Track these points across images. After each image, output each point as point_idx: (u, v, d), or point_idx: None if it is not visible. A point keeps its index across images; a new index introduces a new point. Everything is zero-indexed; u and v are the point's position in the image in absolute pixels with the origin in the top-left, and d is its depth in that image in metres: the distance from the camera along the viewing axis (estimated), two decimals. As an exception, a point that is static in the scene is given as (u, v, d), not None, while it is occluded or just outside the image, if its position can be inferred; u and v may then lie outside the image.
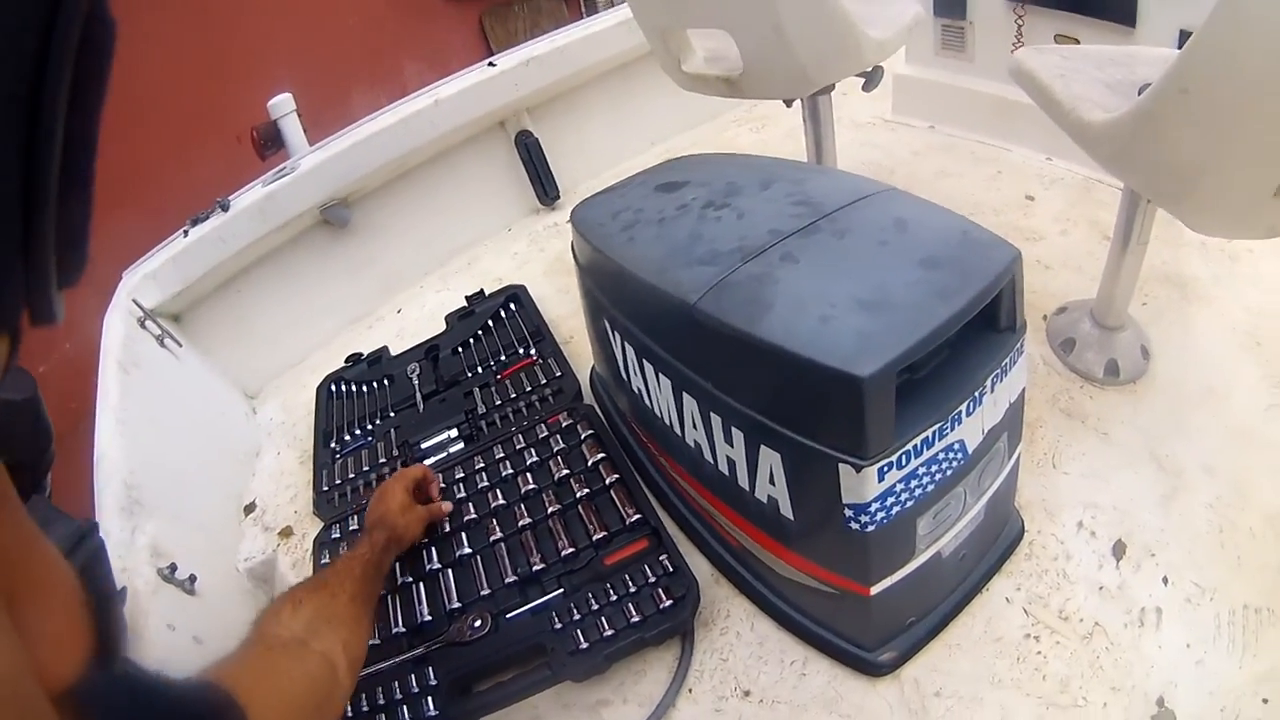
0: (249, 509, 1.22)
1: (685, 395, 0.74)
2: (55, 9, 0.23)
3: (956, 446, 0.66)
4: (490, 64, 1.66)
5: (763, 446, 0.66)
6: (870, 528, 0.63)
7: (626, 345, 0.83)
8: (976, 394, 0.66)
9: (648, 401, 0.84)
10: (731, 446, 0.70)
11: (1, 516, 0.29)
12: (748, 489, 0.71)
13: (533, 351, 1.25)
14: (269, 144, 1.69)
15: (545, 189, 1.72)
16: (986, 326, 0.68)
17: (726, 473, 0.73)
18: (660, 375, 0.77)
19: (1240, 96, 0.67)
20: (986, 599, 0.81)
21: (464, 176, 1.70)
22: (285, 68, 2.83)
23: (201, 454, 1.25)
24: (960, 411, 0.65)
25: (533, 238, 1.70)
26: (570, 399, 1.13)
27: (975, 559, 0.80)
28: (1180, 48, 0.91)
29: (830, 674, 0.78)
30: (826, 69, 1.06)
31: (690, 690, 0.79)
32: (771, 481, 0.67)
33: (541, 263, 1.58)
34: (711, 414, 0.70)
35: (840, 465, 0.60)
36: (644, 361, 0.80)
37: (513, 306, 1.39)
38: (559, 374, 1.18)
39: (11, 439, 0.62)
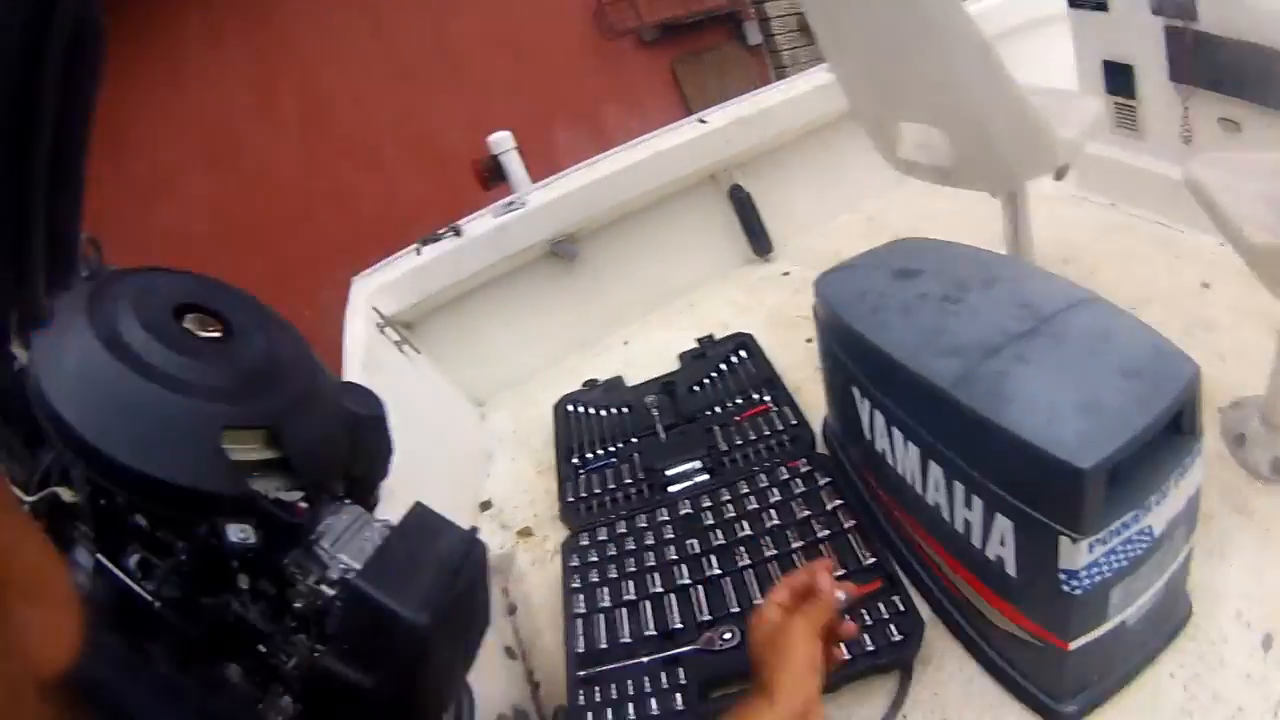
0: (485, 506, 1.57)
1: (931, 463, 0.98)
2: (47, 16, 0.26)
3: (1147, 531, 0.92)
4: (701, 120, 2.02)
5: (998, 514, 0.89)
6: (1078, 591, 0.86)
7: (875, 412, 1.08)
8: (1163, 488, 0.90)
9: (891, 461, 1.08)
10: (970, 510, 0.94)
11: None
12: (979, 547, 0.95)
13: (767, 398, 1.55)
14: (492, 176, 2.08)
15: (759, 242, 2.09)
16: (1173, 429, 0.97)
17: (961, 531, 0.97)
18: (909, 442, 1.01)
19: None
20: (1155, 670, 1.04)
21: (681, 224, 2.06)
22: (501, 105, 3.49)
23: (439, 453, 1.59)
24: (1151, 501, 0.88)
25: (750, 288, 2.03)
26: (807, 447, 1.41)
27: (1151, 633, 1.03)
28: None
29: (1022, 717, 1.02)
30: (1025, 167, 1.37)
31: (905, 717, 1.04)
32: (1001, 544, 0.91)
33: (761, 313, 1.90)
34: (955, 481, 0.94)
35: (1060, 537, 0.84)
36: (893, 428, 1.04)
37: (742, 353, 1.72)
38: (794, 423, 1.47)
39: (362, 452, 0.74)
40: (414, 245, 1.95)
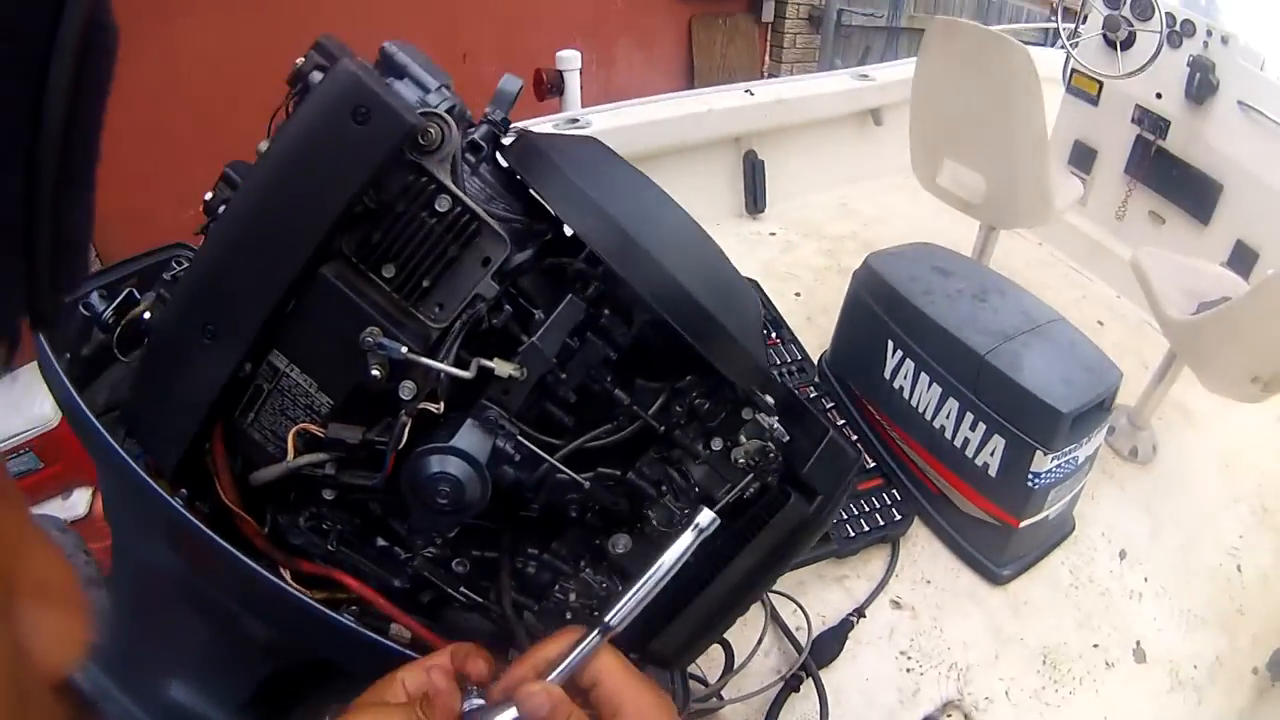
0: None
1: (950, 399, 1.52)
2: (57, 14, 0.27)
3: (1074, 460, 1.50)
4: (748, 92, 2.49)
5: (995, 435, 1.44)
6: (1036, 487, 1.45)
7: (907, 360, 1.60)
8: (1089, 436, 1.50)
9: (905, 395, 1.61)
10: (972, 432, 1.48)
11: (1, 509, 0.31)
12: (970, 457, 1.50)
13: (774, 335, 2.00)
14: (552, 89, 2.39)
15: (757, 201, 2.53)
16: (1099, 406, 1.59)
17: (959, 446, 1.51)
18: (933, 384, 1.55)
19: (1241, 340, 1.63)
20: (1052, 559, 1.65)
21: (696, 173, 2.46)
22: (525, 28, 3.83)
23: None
24: (1083, 441, 1.47)
25: (741, 239, 2.48)
26: (813, 376, 1.90)
27: (1054, 532, 1.66)
28: (1232, 254, 1.93)
29: (972, 579, 1.60)
30: (1025, 219, 1.99)
31: (897, 575, 1.57)
32: (992, 454, 1.46)
33: (754, 264, 2.35)
34: (967, 412, 1.48)
35: (1036, 451, 1.42)
36: (920, 373, 1.58)
37: (761, 315, 2.18)
38: (800, 357, 1.92)
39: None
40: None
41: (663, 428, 0.84)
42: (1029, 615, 1.60)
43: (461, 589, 0.87)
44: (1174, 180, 2.44)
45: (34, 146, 0.28)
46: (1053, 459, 1.46)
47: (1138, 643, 1.62)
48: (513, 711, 0.64)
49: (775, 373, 1.83)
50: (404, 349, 0.69)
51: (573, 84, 2.39)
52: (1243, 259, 2.33)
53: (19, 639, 0.31)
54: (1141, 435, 1.97)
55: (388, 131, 0.64)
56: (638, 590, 0.72)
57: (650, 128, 2.34)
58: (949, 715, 1.42)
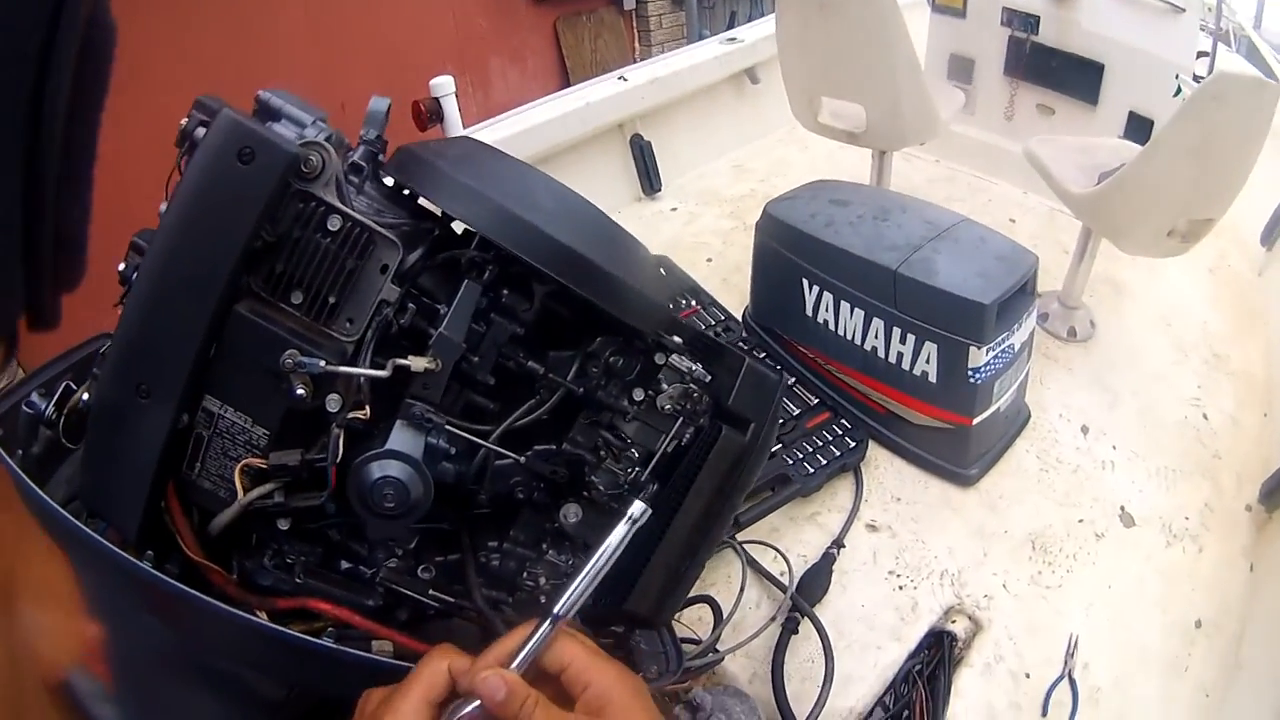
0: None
1: (875, 319, 1.59)
2: (56, 14, 0.27)
3: (1010, 348, 1.57)
4: (621, 79, 2.54)
5: (926, 342, 1.52)
6: (979, 381, 1.51)
7: (825, 294, 1.67)
8: (1020, 321, 1.56)
9: (831, 328, 1.68)
10: (903, 345, 1.55)
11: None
12: (908, 369, 1.57)
13: (694, 303, 2.02)
14: (432, 117, 2.41)
15: (652, 183, 2.61)
16: (1022, 290, 1.65)
17: (894, 362, 1.58)
18: (855, 309, 1.62)
19: (1145, 196, 1.70)
20: (1015, 449, 1.73)
21: (586, 167, 2.53)
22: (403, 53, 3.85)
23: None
24: (1014, 328, 1.54)
25: (644, 221, 2.54)
26: (740, 333, 1.94)
27: (1010, 423, 1.74)
28: (1127, 126, 2.02)
29: (942, 486, 1.67)
30: (914, 137, 2.06)
31: (866, 500, 1.63)
32: (927, 362, 1.53)
33: (658, 241, 2.41)
34: (894, 328, 1.56)
35: (969, 347, 1.48)
36: (841, 303, 1.64)
37: (662, 270, 2.19)
38: (723, 317, 1.97)
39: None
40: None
41: (582, 390, 0.89)
42: (1006, 508, 1.67)
43: (432, 593, 0.92)
44: (1054, 70, 2.55)
45: (34, 146, 0.29)
46: (987, 351, 1.54)
47: (1122, 508, 1.70)
48: (476, 701, 0.66)
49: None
50: (322, 363, 0.76)
51: (450, 109, 2.45)
52: (1139, 129, 2.44)
53: (18, 640, 0.31)
54: (1077, 314, 2.06)
55: (272, 164, 0.71)
56: (581, 581, 0.75)
57: (533, 133, 2.42)
58: (954, 620, 1.48)
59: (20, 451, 0.94)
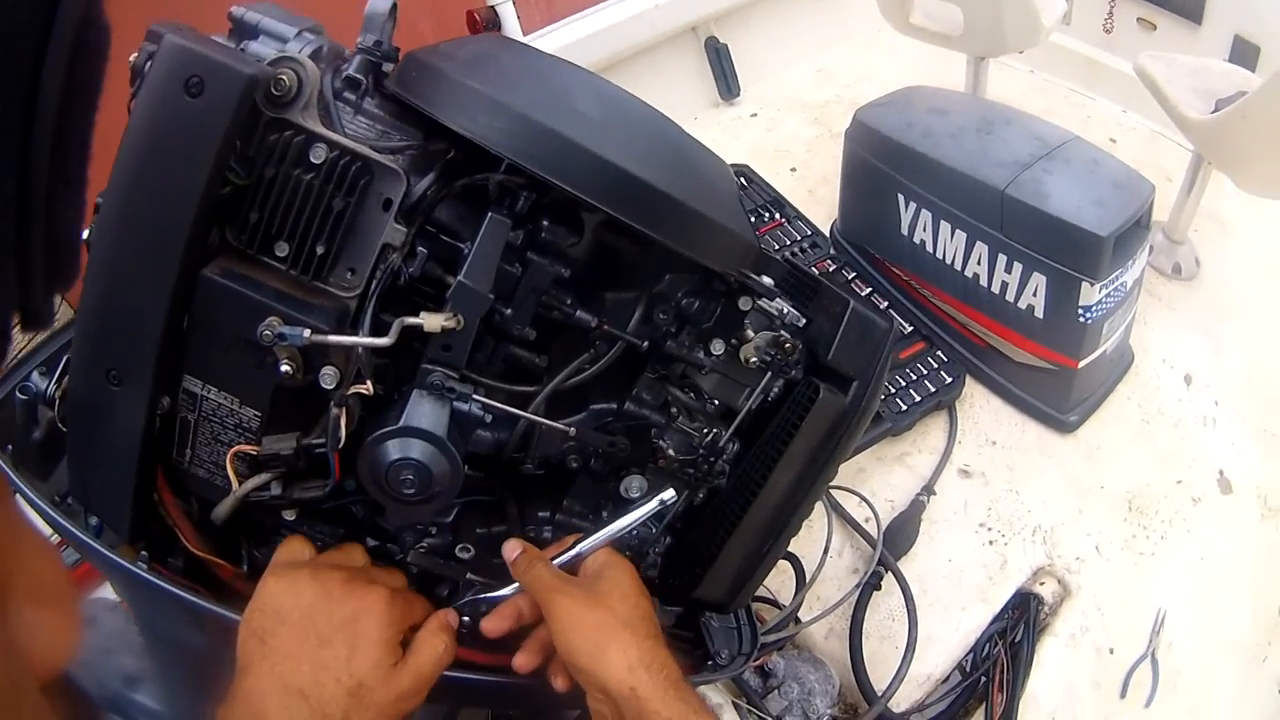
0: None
1: (978, 243, 1.54)
2: (50, 12, 0.28)
3: (1123, 285, 1.52)
4: None
5: (1034, 273, 1.48)
6: (1089, 321, 1.47)
7: (922, 211, 1.62)
8: (1133, 258, 1.52)
9: (929, 249, 1.63)
10: (1009, 274, 1.51)
11: None
12: (1013, 301, 1.53)
13: (778, 216, 1.97)
14: (488, 28, 2.33)
15: (730, 87, 2.51)
16: (1137, 224, 1.56)
17: (998, 292, 1.54)
18: (956, 230, 1.57)
19: (1274, 129, 1.61)
20: (1117, 395, 1.70)
21: (659, 73, 2.44)
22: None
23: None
24: (1128, 264, 1.49)
25: (721, 127, 2.46)
26: (825, 252, 1.89)
27: (1114, 366, 1.69)
28: (1232, 50, 1.89)
29: (1039, 431, 1.63)
30: (1014, 42, 1.94)
31: (959, 442, 1.60)
32: (1034, 294, 1.49)
33: (741, 149, 2.33)
34: (999, 254, 1.51)
35: (1082, 283, 1.44)
36: (940, 222, 1.59)
37: (743, 180, 2.10)
38: (810, 233, 1.92)
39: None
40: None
41: (647, 343, 0.80)
42: (1104, 461, 1.64)
43: (470, 577, 0.84)
44: (1159, -18, 2.40)
45: (27, 145, 0.29)
46: (1101, 289, 1.48)
47: (1220, 472, 1.66)
48: (512, 586, 0.76)
49: (786, 254, 1.79)
50: (306, 332, 0.66)
51: (508, 16, 2.34)
52: (1244, 55, 2.32)
53: (12, 637, 0.32)
54: (1181, 250, 1.98)
55: (226, 92, 0.61)
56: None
57: (600, 37, 2.32)
58: (1042, 583, 1.46)
59: (10, 446, 0.90)
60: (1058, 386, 1.61)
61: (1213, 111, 1.78)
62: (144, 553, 0.78)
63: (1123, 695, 1.39)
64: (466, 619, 0.79)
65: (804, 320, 0.80)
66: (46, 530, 0.81)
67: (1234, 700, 1.43)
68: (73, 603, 0.37)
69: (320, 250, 0.68)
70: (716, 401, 0.83)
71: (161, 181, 0.63)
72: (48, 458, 0.90)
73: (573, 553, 0.80)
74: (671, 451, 0.81)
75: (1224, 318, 1.91)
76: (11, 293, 0.31)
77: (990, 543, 1.47)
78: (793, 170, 2.28)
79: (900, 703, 1.30)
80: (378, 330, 0.69)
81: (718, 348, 0.81)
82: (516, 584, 0.79)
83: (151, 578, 0.76)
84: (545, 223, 0.74)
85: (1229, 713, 1.43)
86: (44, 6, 0.28)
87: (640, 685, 0.68)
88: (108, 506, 0.76)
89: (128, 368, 0.68)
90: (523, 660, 0.78)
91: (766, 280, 0.81)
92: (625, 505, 0.83)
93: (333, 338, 0.67)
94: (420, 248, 0.72)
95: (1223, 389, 1.77)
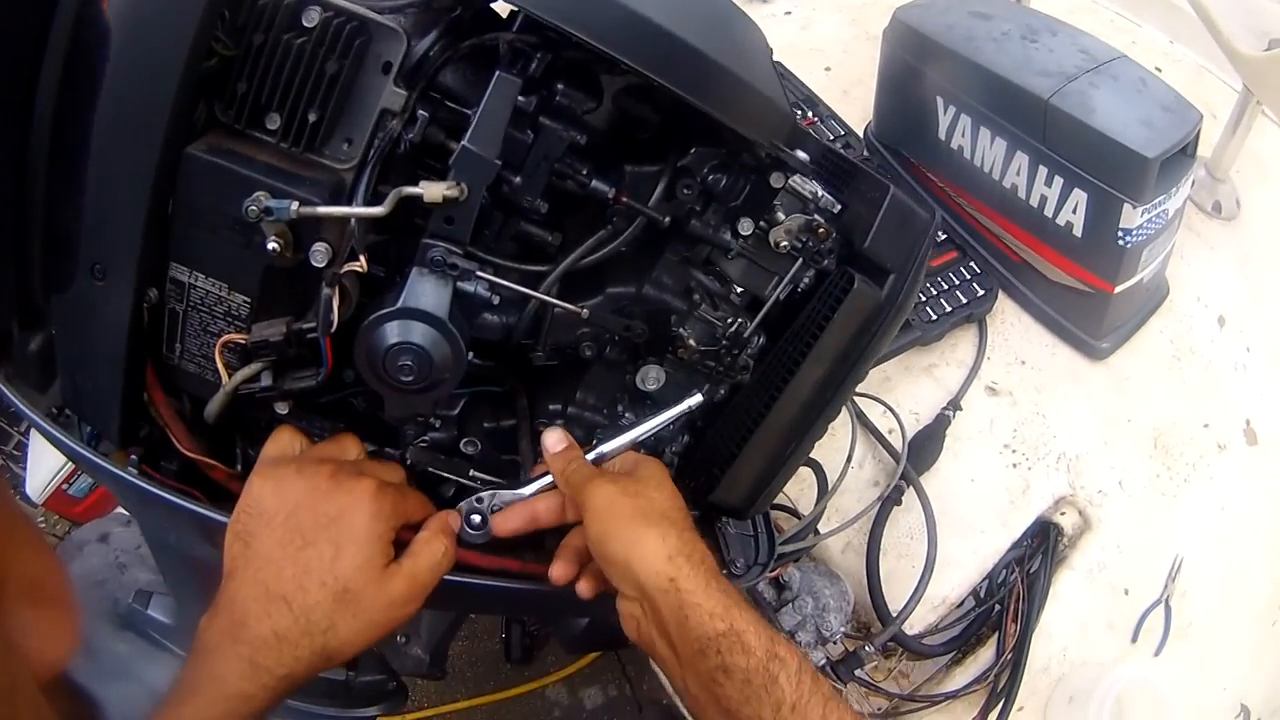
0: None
1: (1018, 152, 1.50)
2: (49, 17, 0.29)
3: (1164, 213, 1.48)
4: None
5: (1075, 189, 1.45)
6: (1129, 244, 1.44)
7: (962, 115, 1.58)
8: (1177, 185, 1.48)
9: (968, 155, 1.60)
10: (1049, 187, 1.48)
11: None
12: (1051, 216, 1.50)
13: (810, 114, 1.91)
14: None
15: None
16: (1182, 151, 1.52)
17: (1036, 205, 1.51)
18: (996, 138, 1.53)
19: None
20: (1149, 328, 1.67)
21: None
22: None
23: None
24: (1172, 191, 1.46)
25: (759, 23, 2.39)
26: (861, 150, 1.85)
27: (1149, 297, 1.66)
28: None
29: (1070, 355, 1.61)
30: None
31: (988, 358, 1.58)
32: (1074, 211, 1.46)
33: (774, 48, 2.26)
34: (1040, 166, 1.48)
35: (1124, 205, 1.41)
36: (980, 128, 1.55)
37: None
38: (843, 132, 1.86)
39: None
40: None
41: (668, 220, 0.76)
42: (1134, 393, 1.62)
43: (474, 474, 0.81)
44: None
45: (25, 147, 0.30)
46: (1143, 212, 1.45)
47: (1248, 421, 1.64)
48: (541, 482, 0.77)
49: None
50: (294, 205, 0.62)
51: None
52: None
53: (10, 637, 0.32)
54: (1222, 188, 1.95)
55: None
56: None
57: None
58: (1063, 513, 1.44)
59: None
60: (1092, 310, 1.58)
61: (1266, 49, 1.73)
62: (133, 457, 0.75)
63: (1134, 640, 1.39)
64: (476, 518, 0.76)
65: (839, 206, 0.77)
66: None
67: (1245, 662, 1.42)
68: (71, 603, 0.37)
69: (313, 118, 0.65)
70: (742, 289, 0.79)
71: (140, 53, 0.57)
72: (47, 369, 0.88)
73: (595, 453, 0.78)
74: (692, 341, 0.77)
75: (1262, 261, 1.88)
76: (9, 294, 0.30)
77: (1014, 465, 1.46)
78: (827, 69, 2.20)
79: (914, 624, 1.30)
80: (375, 203, 0.66)
81: (745, 228, 0.77)
82: (535, 484, 0.77)
83: (140, 482, 0.73)
84: (560, 86, 0.70)
85: (1238, 672, 1.42)
86: (43, 6, 0.28)
87: (681, 576, 0.66)
88: (97, 410, 0.73)
89: (111, 259, 0.64)
90: (560, 571, 0.76)
91: (800, 155, 0.78)
92: (642, 397, 0.81)
93: (322, 209, 0.63)
94: (422, 111, 0.68)
95: (1255, 335, 1.75)
